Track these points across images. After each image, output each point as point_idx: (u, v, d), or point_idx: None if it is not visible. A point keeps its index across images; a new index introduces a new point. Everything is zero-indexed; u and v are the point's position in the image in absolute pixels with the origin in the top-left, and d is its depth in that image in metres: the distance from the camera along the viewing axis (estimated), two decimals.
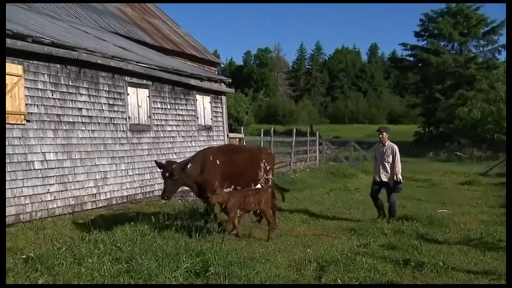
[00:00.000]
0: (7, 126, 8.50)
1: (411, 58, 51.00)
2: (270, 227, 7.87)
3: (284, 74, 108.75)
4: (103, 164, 10.78)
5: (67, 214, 9.43)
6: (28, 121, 8.93)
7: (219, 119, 16.01)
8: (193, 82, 14.15)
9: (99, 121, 10.75)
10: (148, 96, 12.40)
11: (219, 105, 16.04)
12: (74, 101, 10.07)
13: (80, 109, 10.21)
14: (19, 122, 8.74)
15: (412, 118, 69.13)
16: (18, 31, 8.65)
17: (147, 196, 11.97)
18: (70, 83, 9.97)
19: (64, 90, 9.83)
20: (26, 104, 8.91)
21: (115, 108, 11.26)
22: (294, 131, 22.08)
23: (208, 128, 15.21)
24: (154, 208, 10.60)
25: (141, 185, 11.97)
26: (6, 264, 6.12)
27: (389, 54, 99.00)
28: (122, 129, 11.43)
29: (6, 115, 8.45)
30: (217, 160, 8.14)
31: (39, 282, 5.29)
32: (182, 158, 13.63)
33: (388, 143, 9.70)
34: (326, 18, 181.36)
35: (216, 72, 22.75)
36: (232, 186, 8.33)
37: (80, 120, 10.20)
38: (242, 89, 71.48)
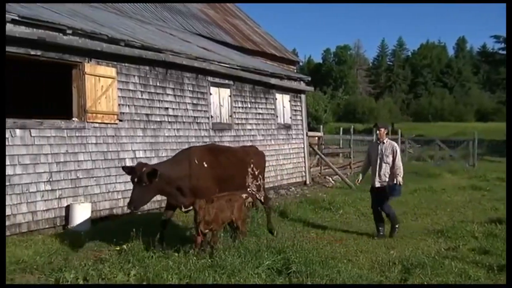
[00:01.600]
0: (102, 125, 9.12)
1: (504, 52, 47.64)
2: (241, 236, 6.85)
3: (364, 71, 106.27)
4: None
5: (155, 209, 9.91)
6: (120, 120, 9.50)
7: (298, 117, 16.00)
8: (273, 81, 14.28)
9: (184, 120, 11.18)
10: (230, 96, 12.70)
11: (298, 104, 16.04)
12: (161, 101, 10.56)
13: (167, 108, 10.68)
14: (112, 122, 9.33)
15: (503, 115, 64.58)
16: (112, 36, 9.24)
17: None
18: (158, 84, 10.47)
19: (152, 90, 10.34)
20: (118, 105, 9.48)
21: (199, 108, 11.65)
22: (374, 129, 21.49)
23: (288, 127, 15.27)
24: None
25: None
26: (102, 255, 6.59)
27: (479, 48, 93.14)
28: (205, 127, 11.81)
29: (102, 115, 9.06)
30: (204, 162, 7.02)
31: (131, 273, 5.58)
32: None
33: (387, 140, 8.51)
34: (409, 13, 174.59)
35: (295, 71, 22.77)
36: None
37: (166, 120, 10.67)
38: (321, 87, 70.84)
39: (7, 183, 7.52)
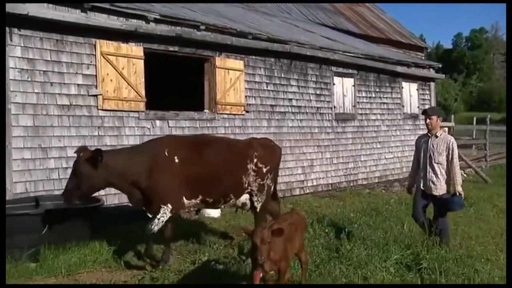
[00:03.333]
0: (231, 116, 9.55)
1: None
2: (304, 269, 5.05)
3: (502, 55, 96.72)
4: (310, 152, 11.25)
5: (279, 198, 10.14)
6: (247, 111, 9.86)
7: (426, 107, 15.12)
8: (399, 69, 13.69)
9: (307, 111, 11.23)
10: (353, 85, 12.45)
11: (427, 92, 15.17)
12: (285, 92, 10.72)
13: (290, 99, 10.82)
14: (239, 113, 9.72)
15: None
16: (240, 30, 9.62)
17: (351, 185, 12.08)
18: (282, 75, 10.65)
19: (277, 82, 10.54)
20: (245, 96, 9.84)
21: (322, 98, 11.61)
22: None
23: (414, 117, 14.54)
24: (358, 197, 10.69)
25: (345, 174, 12.14)
26: (233, 242, 6.90)
27: None
28: (327, 118, 11.75)
29: (230, 107, 9.50)
30: (175, 157, 5.63)
31: None
32: (386, 148, 13.45)
33: (441, 134, 6.37)
34: None
35: (423, 57, 21.54)
36: (199, 198, 5.81)
37: (290, 110, 10.82)
38: (451, 75, 66.06)
39: None
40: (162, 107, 8.66)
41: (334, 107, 11.91)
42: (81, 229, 6.20)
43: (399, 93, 14.00)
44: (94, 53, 7.46)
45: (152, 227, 5.51)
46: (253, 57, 9.96)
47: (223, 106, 9.38)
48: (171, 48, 8.52)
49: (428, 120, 6.37)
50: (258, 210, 6.22)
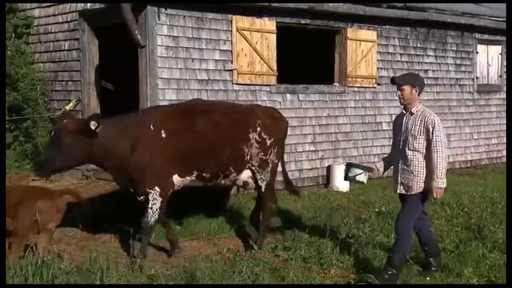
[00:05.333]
0: (361, 89, 9.29)
1: None
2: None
3: None
4: (447, 127, 10.47)
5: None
6: (378, 84, 9.51)
7: None
8: None
9: (445, 82, 10.51)
10: (501, 53, 11.30)
11: None
12: (421, 63, 10.11)
13: (426, 70, 10.17)
14: (370, 86, 9.41)
15: None
16: None
17: (494, 162, 11.21)
18: (418, 45, 10.03)
19: (412, 52, 9.97)
20: (377, 68, 9.48)
21: (462, 68, 10.76)
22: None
23: None
24: (502, 176, 9.80)
25: (487, 150, 11.25)
26: (362, 215, 6.84)
27: None
28: (468, 90, 10.87)
29: (361, 79, 9.23)
30: (162, 131, 4.94)
31: (392, 236, 5.62)
32: None
33: (417, 108, 4.52)
34: None
35: None
36: (195, 173, 5.13)
37: (426, 82, 10.15)
38: None
39: None
40: (291, 81, 8.72)
41: (476, 78, 10.97)
42: (219, 198, 6.61)
43: None
44: (230, 29, 7.72)
45: (148, 219, 4.90)
46: (387, 27, 9.50)
47: (354, 79, 9.15)
48: (302, 21, 8.49)
49: (399, 92, 4.56)
50: (263, 189, 5.47)
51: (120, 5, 6.69)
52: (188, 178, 5.13)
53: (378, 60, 9.48)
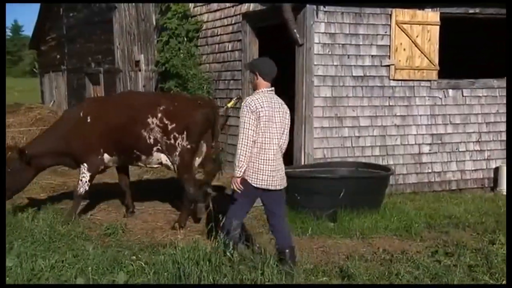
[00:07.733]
0: None
1: None
2: None
3: None
4: None
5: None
6: None
7: None
8: None
9: None
10: None
11: None
12: None
13: None
14: None
15: None
16: None
17: None
18: None
19: None
20: None
21: None
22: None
23: None
24: None
25: None
26: None
27: None
28: None
29: None
30: (88, 117, 5.96)
31: None
32: None
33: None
34: None
35: None
36: (115, 154, 6.01)
37: None
38: None
39: (438, 141, 7.95)
40: (455, 75, 8.13)
41: None
42: (373, 196, 6.46)
43: None
44: (389, 23, 7.47)
45: (78, 189, 5.95)
46: None
47: None
48: (471, 11, 7.84)
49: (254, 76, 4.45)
50: (177, 172, 5.88)
51: (282, 5, 6.94)
52: (112, 157, 6.02)
53: None
